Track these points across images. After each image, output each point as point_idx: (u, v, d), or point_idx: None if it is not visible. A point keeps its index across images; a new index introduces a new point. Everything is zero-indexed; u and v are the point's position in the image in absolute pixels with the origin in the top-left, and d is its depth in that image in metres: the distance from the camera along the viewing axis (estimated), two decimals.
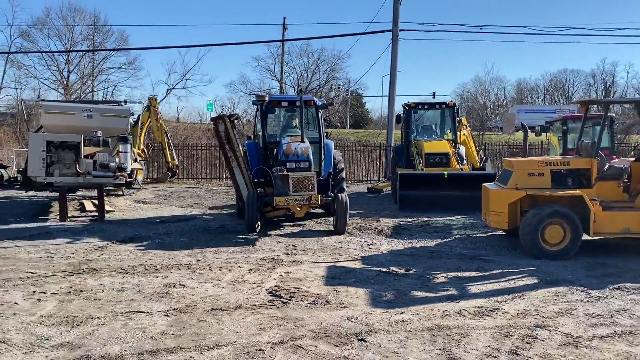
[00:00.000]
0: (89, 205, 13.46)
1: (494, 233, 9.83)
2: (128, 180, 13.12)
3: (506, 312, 5.46)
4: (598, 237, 8.55)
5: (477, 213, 9.81)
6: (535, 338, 4.75)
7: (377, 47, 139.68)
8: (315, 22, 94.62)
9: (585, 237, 8.18)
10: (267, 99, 11.02)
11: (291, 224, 10.96)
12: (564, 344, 4.63)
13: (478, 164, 17.03)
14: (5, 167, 21.46)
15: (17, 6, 70.03)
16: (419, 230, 10.27)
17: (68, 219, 11.61)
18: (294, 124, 11.62)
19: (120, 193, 16.41)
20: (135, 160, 15.82)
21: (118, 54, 45.38)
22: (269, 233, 9.96)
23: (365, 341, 4.61)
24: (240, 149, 10.88)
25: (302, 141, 10.29)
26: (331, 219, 10.47)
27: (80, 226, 10.81)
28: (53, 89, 45.52)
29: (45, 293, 6.01)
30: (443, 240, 9.37)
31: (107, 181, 12.08)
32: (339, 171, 11.61)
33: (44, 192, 15.94)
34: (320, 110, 11.53)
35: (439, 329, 4.93)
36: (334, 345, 4.52)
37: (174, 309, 5.44)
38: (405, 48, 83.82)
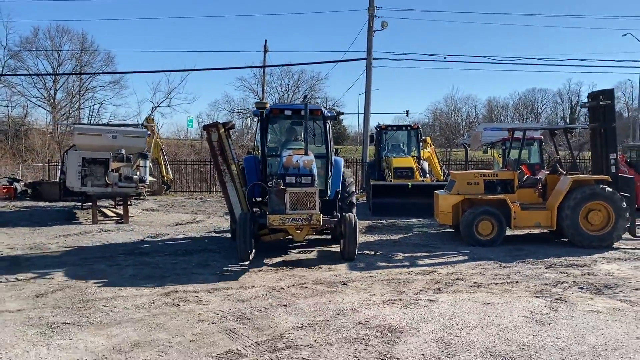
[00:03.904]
0: (109, 213, 15.83)
1: (445, 230, 12.59)
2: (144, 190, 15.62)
3: (440, 273, 8.17)
4: (518, 231, 11.38)
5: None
6: (454, 284, 7.46)
7: (353, 68, 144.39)
8: (295, 48, 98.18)
9: (510, 232, 11.01)
10: (268, 106, 10.06)
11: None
12: (471, 286, 7.35)
13: (441, 177, 19.96)
14: (18, 181, 23.71)
15: (10, 29, 71.59)
16: (387, 229, 12.99)
17: (98, 222, 14.01)
18: (298, 137, 10.62)
19: (129, 203, 18.79)
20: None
21: None
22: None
23: (346, 285, 7.28)
24: (236, 162, 10.10)
25: (306, 154, 9.23)
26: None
27: (111, 227, 13.23)
28: (40, 106, 47.35)
29: (119, 265, 8.54)
30: (405, 235, 12.07)
31: (130, 191, 14.53)
32: (349, 191, 10.54)
33: (60, 203, 18.30)
34: (328, 121, 10.38)
35: (393, 279, 7.63)
36: (327, 286, 7.18)
37: (216, 273, 8.02)
38: (380, 69, 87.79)
